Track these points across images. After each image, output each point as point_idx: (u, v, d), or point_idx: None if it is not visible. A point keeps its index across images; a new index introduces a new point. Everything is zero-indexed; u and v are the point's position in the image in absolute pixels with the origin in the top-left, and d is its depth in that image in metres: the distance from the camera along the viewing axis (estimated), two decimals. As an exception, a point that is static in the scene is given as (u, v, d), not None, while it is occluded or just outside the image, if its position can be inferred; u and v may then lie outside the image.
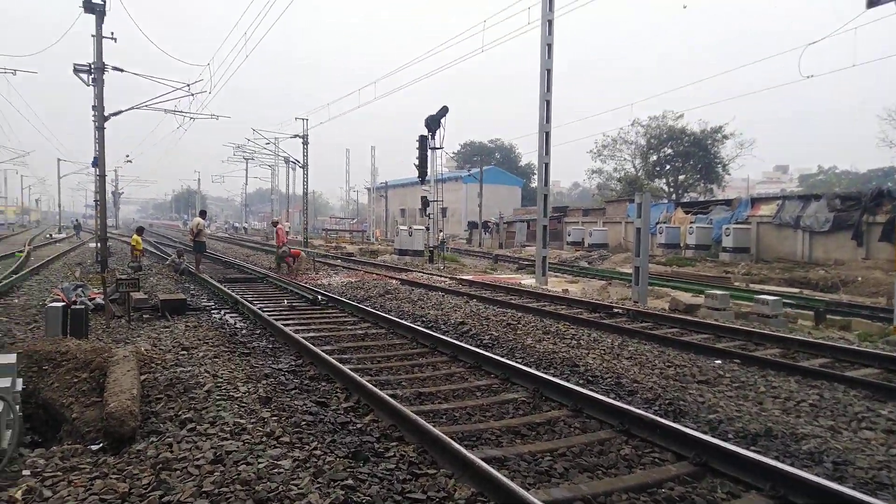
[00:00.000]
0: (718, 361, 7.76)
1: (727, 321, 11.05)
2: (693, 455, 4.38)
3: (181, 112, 22.58)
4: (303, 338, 8.30)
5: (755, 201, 31.18)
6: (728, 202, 33.17)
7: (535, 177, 39.00)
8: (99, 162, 18.68)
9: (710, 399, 6.07)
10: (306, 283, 16.20)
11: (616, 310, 11.81)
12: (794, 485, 3.79)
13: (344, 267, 22.65)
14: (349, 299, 12.72)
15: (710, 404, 5.88)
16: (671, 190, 50.69)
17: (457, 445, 4.21)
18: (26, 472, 3.98)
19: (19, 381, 5.27)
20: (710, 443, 4.40)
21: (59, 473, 3.94)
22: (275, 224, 23.16)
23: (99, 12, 17.31)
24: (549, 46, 17.81)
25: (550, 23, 17.71)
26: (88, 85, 18.20)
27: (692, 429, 4.84)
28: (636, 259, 14.16)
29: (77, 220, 61.63)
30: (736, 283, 19.63)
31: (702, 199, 44.62)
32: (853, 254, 24.42)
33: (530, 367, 7.01)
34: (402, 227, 30.17)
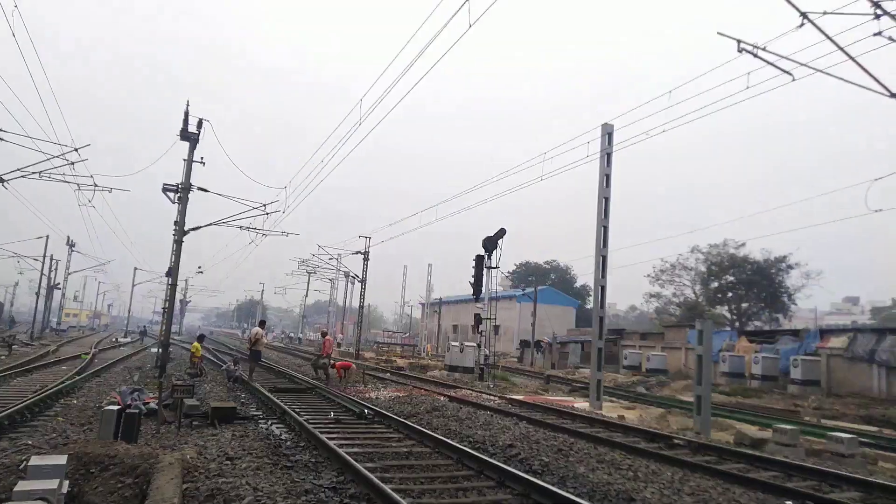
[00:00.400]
0: (789, 503, 7.12)
1: (798, 458, 10.22)
2: None
3: (255, 229, 23.91)
4: (346, 453, 8.14)
5: (824, 333, 29.73)
6: (796, 332, 31.73)
7: (591, 298, 38.70)
8: (173, 273, 19.79)
9: (782, 546, 5.52)
10: (354, 395, 16.09)
11: (676, 440, 11.14)
12: None
13: (393, 381, 22.46)
14: (395, 414, 12.51)
15: (781, 552, 5.34)
16: (734, 317, 48.97)
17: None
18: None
19: (66, 484, 5.34)
20: None
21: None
22: (323, 335, 23.38)
23: (193, 140, 19.12)
24: (607, 177, 18.42)
25: (609, 155, 18.42)
26: (174, 203, 19.71)
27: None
28: (698, 387, 13.52)
29: (144, 326, 64.24)
30: (806, 418, 18.32)
31: (767, 328, 42.82)
32: (938, 391, 22.58)
33: (583, 497, 6.61)
34: (453, 343, 30.00)
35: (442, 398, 16.61)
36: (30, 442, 8.06)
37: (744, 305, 48.77)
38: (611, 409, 17.74)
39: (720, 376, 29.88)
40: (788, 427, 11.71)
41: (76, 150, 19.89)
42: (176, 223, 19.55)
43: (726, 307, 50.26)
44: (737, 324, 47.17)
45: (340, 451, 8.21)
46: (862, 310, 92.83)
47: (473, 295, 26.22)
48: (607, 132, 18.43)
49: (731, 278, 48.36)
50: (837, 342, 27.45)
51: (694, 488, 7.67)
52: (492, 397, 17.96)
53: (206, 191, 20.35)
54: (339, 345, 58.15)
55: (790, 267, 45.97)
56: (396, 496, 5.94)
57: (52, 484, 4.82)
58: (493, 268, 25.70)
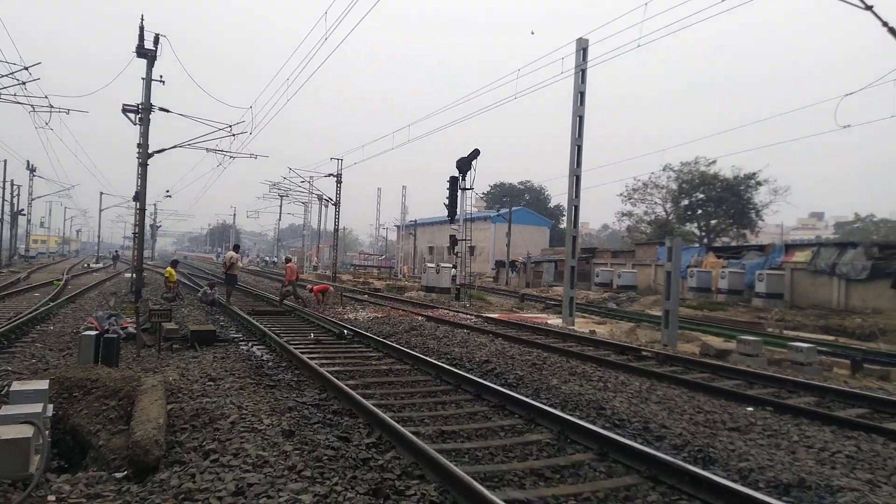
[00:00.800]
0: (750, 409, 7.55)
1: (760, 367, 10.76)
2: (722, 504, 4.24)
3: (222, 151, 23.29)
4: (327, 372, 8.33)
5: (789, 247, 30.59)
6: (761, 248, 32.59)
7: (564, 218, 38.97)
8: (140, 196, 19.30)
9: (741, 447, 5.89)
10: (333, 317, 16.30)
11: (645, 353, 11.60)
12: (829, 539, 3.64)
13: (371, 302, 22.76)
14: (375, 334, 12.75)
15: (740, 452, 5.70)
16: (702, 234, 50.05)
17: (479, 486, 4.16)
18: (52, 498, 4.03)
19: (50, 407, 5.39)
20: (740, 492, 4.26)
21: (83, 500, 3.99)
22: (287, 261, 22.95)
23: (150, 57, 18.17)
24: (582, 94, 18.09)
25: (583, 72, 18.02)
26: (135, 124, 18.97)
27: (722, 477, 4.69)
28: (666, 302, 13.95)
29: (116, 252, 63.49)
30: (769, 329, 19.15)
31: (734, 244, 43.90)
32: (892, 303, 23.63)
33: (555, 408, 6.90)
34: (429, 265, 30.29)
35: (419, 318, 16.92)
36: (9, 368, 8.06)
37: (713, 222, 49.76)
38: (583, 325, 18.30)
39: (688, 291, 30.82)
40: (752, 338, 12.24)
41: (26, 68, 18.84)
42: (139, 145, 18.90)
43: (696, 224, 51.24)
44: (705, 240, 48.25)
45: (322, 370, 8.39)
46: (826, 225, 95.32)
47: (448, 216, 26.23)
48: (582, 47, 17.97)
49: (701, 196, 49.03)
50: (801, 256, 28.34)
51: (661, 397, 8.06)
52: (468, 316, 18.35)
53: (167, 111, 19.61)
54: (315, 268, 58.35)
55: (759, 184, 46.71)
56: (378, 410, 6.13)
57: (36, 408, 4.86)
58: (468, 189, 25.61)
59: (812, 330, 20.45)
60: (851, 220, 74.58)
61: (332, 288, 23.19)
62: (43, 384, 5.50)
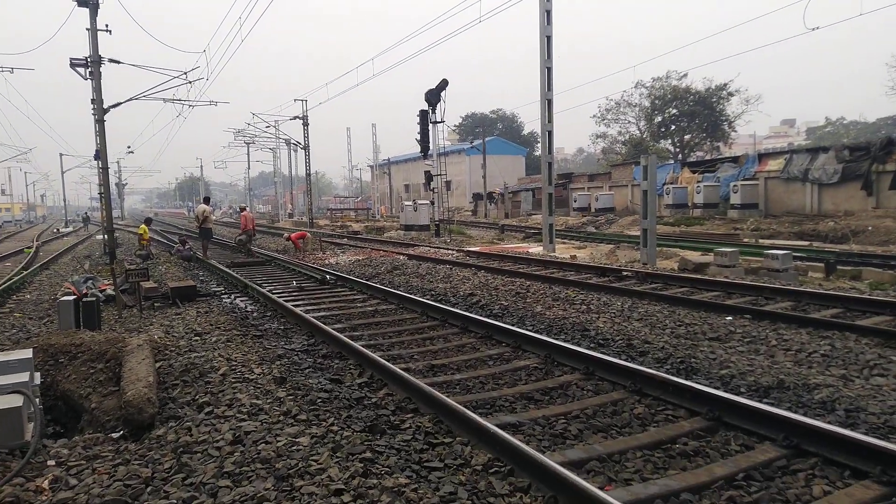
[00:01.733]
0: (729, 318, 7.76)
1: (737, 278, 11.02)
2: (706, 410, 4.41)
3: (179, 101, 22.50)
4: (313, 317, 8.36)
5: (762, 157, 30.86)
6: (735, 159, 32.84)
7: (539, 145, 38.59)
8: (101, 154, 18.69)
9: (722, 355, 6.09)
10: (314, 263, 16.25)
11: (625, 273, 11.79)
12: (807, 433, 3.81)
13: (351, 245, 22.69)
14: (357, 277, 12.77)
15: (721, 360, 5.90)
16: (677, 150, 50.22)
17: (471, 414, 4.25)
18: (51, 463, 4.05)
19: (37, 375, 5.35)
20: (722, 397, 4.42)
21: (82, 462, 4.01)
22: (241, 210, 22.21)
23: (92, 5, 17.15)
24: (548, 13, 17.55)
25: (547, -12, 17.40)
26: (86, 79, 18.11)
27: (704, 385, 4.86)
28: (643, 221, 14.09)
29: (86, 213, 62.17)
30: (745, 240, 19.55)
31: (708, 157, 44.16)
32: (863, 204, 24.21)
33: (541, 333, 7.04)
34: (406, 203, 30.10)
35: (401, 257, 16.95)
36: (-11, 341, 7.95)
37: (686, 137, 49.87)
38: (563, 251, 18.50)
39: (665, 209, 31.19)
40: (728, 249, 12.47)
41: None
42: (93, 101, 18.14)
43: (670, 141, 51.34)
44: (680, 156, 48.49)
45: (308, 316, 8.41)
46: (798, 131, 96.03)
47: (421, 152, 25.93)
48: (547, -39, 17.32)
49: (674, 111, 48.92)
50: (774, 165, 28.66)
51: (642, 314, 8.25)
52: (450, 251, 18.41)
53: (118, 62, 18.69)
54: (290, 215, 57.71)
55: (730, 94, 46.65)
56: (367, 351, 6.20)
57: (23, 377, 4.82)
58: (439, 122, 25.22)
59: (787, 237, 20.92)
60: (822, 124, 75.14)
61: (309, 234, 23.01)
62: (27, 353, 5.44)
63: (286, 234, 22.65)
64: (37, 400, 4.79)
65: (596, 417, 4.57)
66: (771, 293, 9.14)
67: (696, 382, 4.94)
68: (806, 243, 18.61)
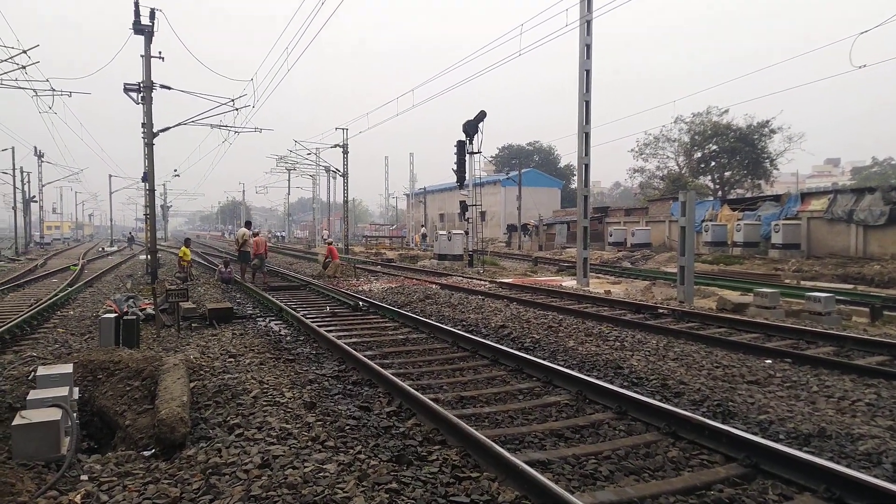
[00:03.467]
0: (769, 361, 7.53)
1: (777, 319, 10.73)
2: (743, 457, 4.26)
3: (226, 126, 23.23)
4: (345, 343, 8.41)
5: (805, 196, 30.17)
6: (777, 198, 32.20)
7: (575, 178, 38.41)
8: (149, 177, 19.36)
9: (761, 400, 5.89)
10: (347, 289, 16.39)
11: (661, 310, 11.58)
12: (851, 486, 3.64)
13: (384, 273, 22.85)
14: (390, 304, 12.83)
15: (760, 405, 5.71)
16: (717, 187, 49.44)
17: (500, 449, 4.20)
18: (84, 478, 4.13)
19: (76, 390, 5.50)
20: (760, 444, 4.27)
21: (114, 479, 4.08)
22: (255, 235, 21.95)
23: (147, 33, 17.98)
24: (588, 47, 17.66)
25: (589, 23, 17.55)
26: (138, 103, 18.91)
27: (742, 430, 4.71)
28: (681, 258, 13.86)
29: (131, 233, 64.18)
30: (786, 281, 19.03)
31: (749, 195, 43.36)
32: (912, 247, 23.38)
33: (573, 369, 6.93)
34: (440, 232, 30.26)
35: (433, 286, 16.98)
36: (34, 353, 8.20)
37: (727, 174, 49.10)
38: (597, 285, 18.29)
39: (703, 246, 30.64)
40: (769, 290, 12.17)
41: (24, 52, 18.74)
42: (143, 125, 18.88)
43: (709, 177, 50.61)
44: (719, 193, 47.71)
45: (340, 342, 8.47)
46: (842, 171, 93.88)
47: (457, 182, 26.05)
48: (587, -5, 17.45)
49: (714, 147, 48.30)
50: (817, 204, 27.97)
51: (678, 353, 8.06)
52: (482, 282, 18.38)
53: (168, 88, 19.48)
54: (329, 242, 58.51)
55: (772, 132, 45.90)
56: (397, 379, 6.19)
57: (62, 391, 4.97)
58: (476, 153, 25.38)
59: (830, 279, 20.29)
60: (868, 164, 73.37)
61: (339, 258, 23.11)
62: (67, 368, 5.61)
63: (325, 256, 22.95)
64: (74, 414, 4.92)
65: (628, 459, 4.46)
66: (812, 337, 8.86)
67: (734, 427, 4.78)
68: (850, 286, 18.01)
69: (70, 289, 16.51)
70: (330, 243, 24.00)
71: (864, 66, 14.24)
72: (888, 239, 24.51)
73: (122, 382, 6.04)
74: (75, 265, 26.37)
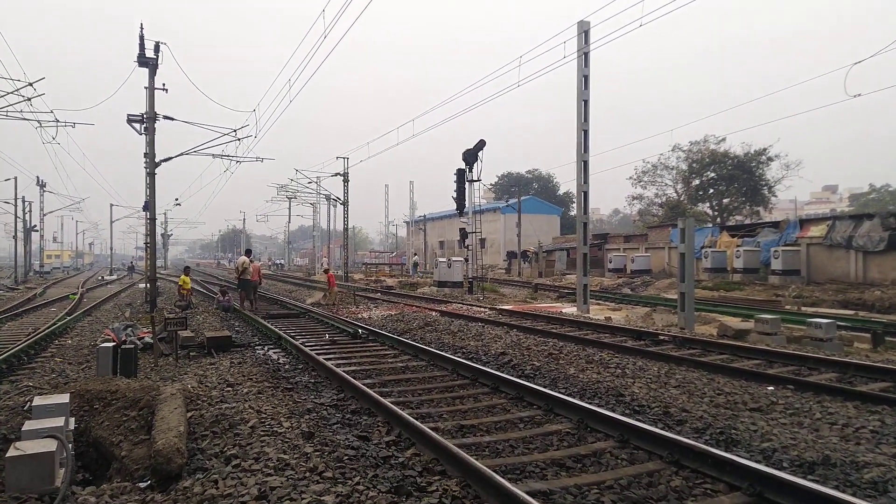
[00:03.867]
0: (771, 388, 7.47)
1: (779, 346, 10.67)
2: (747, 485, 4.20)
3: (228, 156, 23.41)
4: (344, 372, 8.35)
5: (804, 222, 30.26)
6: (776, 224, 32.29)
7: (574, 205, 38.56)
8: (150, 206, 19.44)
9: (764, 427, 5.83)
10: (347, 316, 16.34)
11: (662, 337, 11.53)
12: (858, 517, 3.58)
13: (384, 300, 22.79)
14: (389, 332, 12.77)
15: (763, 432, 5.65)
16: (715, 214, 49.63)
17: (500, 479, 4.14)
18: (78, 510, 4.07)
19: (72, 421, 5.44)
20: (764, 472, 4.21)
21: (109, 510, 4.01)
22: (251, 260, 21.75)
23: (152, 66, 18.27)
24: (586, 78, 17.94)
25: (586, 55, 17.86)
26: (141, 133, 19.09)
27: (745, 458, 4.65)
28: (681, 284, 13.85)
29: (132, 262, 64.24)
30: (787, 307, 18.97)
31: (748, 221, 43.50)
32: (912, 273, 23.36)
33: (574, 397, 6.88)
34: (440, 259, 30.25)
35: (433, 313, 16.93)
36: (30, 383, 8.15)
37: (725, 201, 49.33)
38: (598, 312, 18.22)
39: (703, 272, 30.63)
40: (770, 316, 12.13)
41: (31, 84, 18.99)
42: (146, 155, 19.03)
43: (708, 204, 50.84)
44: (718, 219, 47.86)
45: (338, 370, 8.41)
46: (840, 197, 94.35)
47: (457, 209, 26.19)
48: (584, 30, 17.81)
49: (712, 174, 48.63)
50: (816, 231, 28.03)
51: (680, 380, 8.00)
52: (482, 309, 18.33)
53: (172, 119, 19.70)
54: (325, 270, 58.54)
55: (770, 159, 46.26)
56: (396, 408, 6.13)
57: (58, 422, 4.91)
58: (475, 181, 25.55)
59: (831, 305, 20.24)
60: (866, 191, 73.70)
61: (336, 286, 22.82)
62: (64, 398, 5.55)
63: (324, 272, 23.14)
64: (70, 445, 4.86)
65: (631, 488, 4.39)
66: (815, 363, 8.80)
67: (737, 455, 4.73)
68: (851, 312, 17.96)
69: (68, 318, 16.45)
70: (327, 271, 23.99)
71: (859, 95, 14.42)
72: (888, 264, 24.52)
73: (119, 412, 5.98)
74: (74, 294, 26.31)
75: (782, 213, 59.73)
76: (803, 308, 18.92)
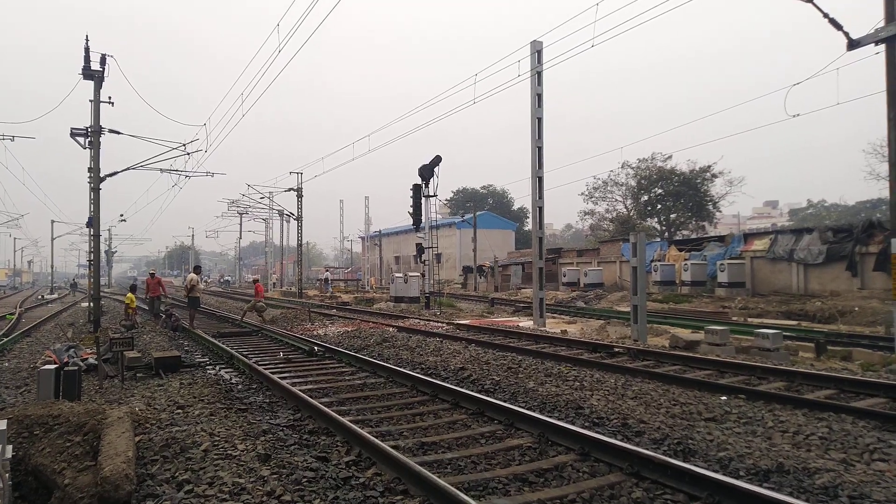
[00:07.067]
0: (724, 398, 7.65)
1: (729, 356, 10.96)
2: (706, 495, 4.27)
3: (176, 171, 22.81)
4: (300, 391, 8.15)
5: (748, 236, 31.42)
6: (721, 238, 33.41)
7: (529, 220, 38.98)
8: (94, 222, 18.73)
9: (719, 436, 5.95)
10: (302, 334, 16.03)
11: (617, 349, 11.70)
12: (814, 523, 3.67)
13: (340, 316, 22.47)
14: (346, 349, 12.58)
15: (718, 442, 5.76)
16: (663, 228, 51.05)
17: (463, 496, 4.08)
18: (16, 544, 3.82)
19: (9, 449, 5.11)
20: (722, 481, 4.28)
21: (50, 543, 3.78)
22: (151, 276, 22.94)
23: (98, 78, 17.69)
24: (539, 96, 18.27)
25: (539, 74, 18.20)
26: (85, 148, 18.41)
27: (703, 468, 4.72)
28: (634, 297, 14.12)
29: (74, 280, 61.76)
30: (734, 318, 19.57)
31: (694, 236, 44.89)
32: (849, 284, 24.50)
33: (534, 411, 6.88)
34: (397, 275, 30.12)
35: (391, 329, 16.77)
36: (-38, 410, 7.66)
37: (672, 216, 50.81)
38: (554, 325, 18.41)
39: (653, 285, 31.38)
40: (718, 328, 12.46)
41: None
42: (90, 170, 18.36)
43: (656, 219, 52.26)
44: (666, 234, 49.24)
45: (294, 389, 8.21)
46: (781, 212, 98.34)
47: (413, 225, 26.16)
48: (536, 50, 18.15)
49: (660, 191, 50.06)
50: (760, 245, 29.14)
51: (636, 392, 8.11)
52: (440, 324, 18.28)
53: (118, 133, 19.11)
54: (275, 284, 57.45)
55: (714, 176, 47.95)
56: (355, 427, 6.00)
57: (-7, 451, 4.61)
58: (431, 196, 25.61)
59: (775, 316, 20.99)
60: (804, 206, 77.01)
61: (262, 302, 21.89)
62: (0, 424, 5.23)
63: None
64: (7, 475, 4.57)
65: (593, 501, 4.40)
66: (763, 373, 9.07)
67: (695, 465, 4.80)
68: (794, 322, 18.66)
69: (5, 339, 15.61)
70: (256, 281, 23.66)
71: (798, 115, 15.11)
72: (826, 276, 25.66)
73: (62, 438, 5.66)
74: (12, 314, 25.04)
75: (726, 227, 61.89)
76: (749, 319, 19.56)
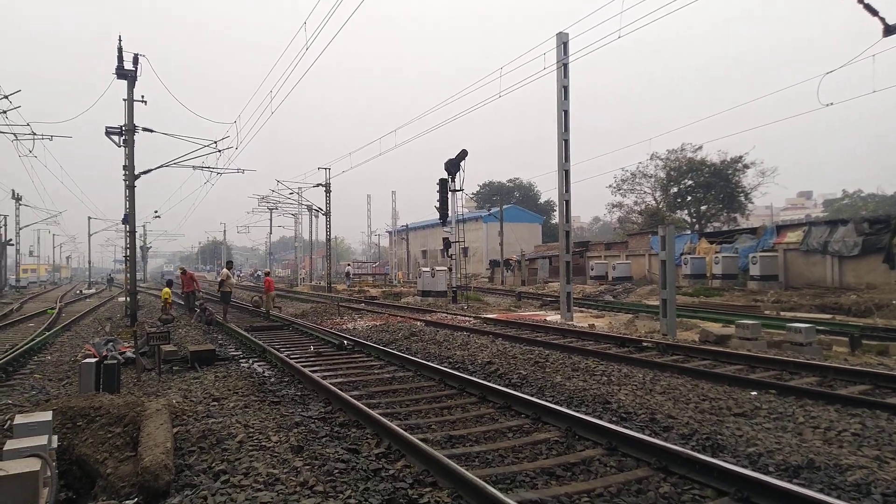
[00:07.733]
0: (754, 393, 7.58)
1: (760, 351, 10.82)
2: (734, 490, 4.27)
3: (208, 168, 23.28)
4: (331, 384, 8.31)
5: (780, 228, 30.78)
6: (753, 230, 32.79)
7: (556, 213, 38.79)
8: (129, 219, 19.21)
9: (748, 432, 5.92)
10: (331, 328, 16.26)
11: (645, 343, 11.64)
12: (843, 519, 3.65)
13: (368, 311, 22.72)
14: (375, 343, 12.74)
15: (748, 437, 5.73)
16: (693, 221, 50.29)
17: (491, 489, 4.16)
18: (64, 530, 4.00)
19: (55, 439, 5.34)
20: (751, 477, 4.28)
21: (96, 530, 3.96)
22: (183, 272, 23.55)
23: (130, 78, 18.11)
24: (565, 88, 18.15)
25: (566, 66, 18.09)
26: (119, 146, 18.88)
27: (732, 463, 4.72)
28: (663, 291, 14.00)
29: (111, 275, 63.42)
30: (766, 312, 19.25)
31: (725, 228, 44.13)
32: (885, 277, 23.85)
33: (561, 405, 6.92)
34: (424, 269, 30.28)
35: (418, 323, 16.91)
36: (10, 401, 8.00)
37: (703, 208, 50.00)
38: (581, 319, 18.35)
39: (683, 278, 30.97)
40: (750, 322, 12.29)
41: (6, 97, 18.75)
42: (125, 167, 18.83)
43: (686, 211, 51.50)
44: (696, 226, 48.49)
45: (325, 382, 8.37)
46: (815, 203, 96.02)
47: (440, 219, 26.26)
48: (563, 42, 18.04)
49: (690, 182, 49.29)
50: (793, 237, 28.52)
51: (665, 387, 8.09)
52: (467, 318, 18.36)
53: (151, 131, 19.53)
54: (303, 279, 58.15)
55: (746, 167, 47.03)
56: (385, 420, 6.12)
57: (41, 440, 4.83)
58: (458, 190, 25.67)
59: (808, 309, 20.57)
60: (839, 197, 75.12)
61: (268, 295, 22.14)
62: (46, 415, 5.46)
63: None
64: (53, 464, 4.78)
65: (620, 496, 4.43)
66: (795, 368, 8.95)
67: (723, 460, 4.80)
68: (828, 316, 18.27)
69: (47, 333, 16.16)
70: (268, 274, 24.02)
71: (831, 104, 14.77)
72: (862, 269, 25.01)
73: (104, 429, 5.89)
74: (52, 308, 25.86)
75: (759, 219, 60.67)
76: (782, 313, 19.22)
